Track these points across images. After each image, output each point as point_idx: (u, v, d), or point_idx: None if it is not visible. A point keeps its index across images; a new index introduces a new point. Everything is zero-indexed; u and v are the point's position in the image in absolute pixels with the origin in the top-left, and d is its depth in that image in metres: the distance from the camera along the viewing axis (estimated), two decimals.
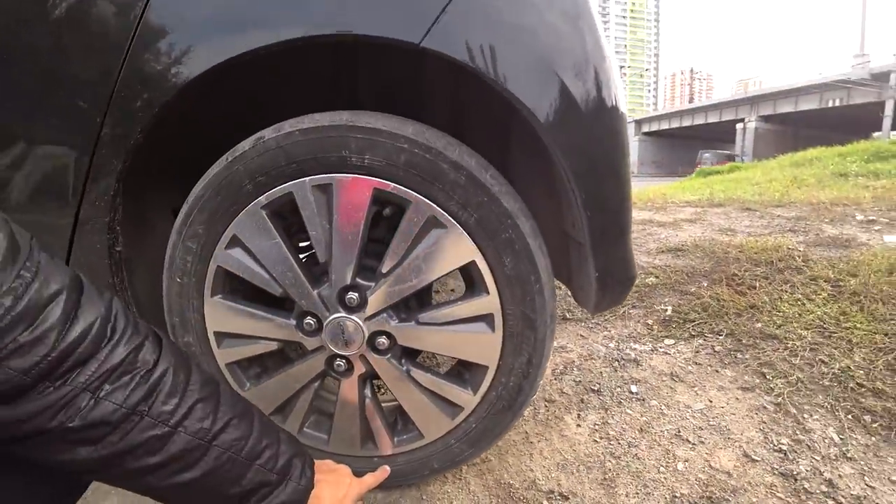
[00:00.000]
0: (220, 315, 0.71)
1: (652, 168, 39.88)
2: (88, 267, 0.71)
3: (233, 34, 0.59)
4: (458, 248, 0.63)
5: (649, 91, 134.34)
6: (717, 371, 1.12)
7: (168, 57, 0.60)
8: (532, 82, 0.58)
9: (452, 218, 0.62)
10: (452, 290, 1.74)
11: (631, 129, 42.90)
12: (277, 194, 0.63)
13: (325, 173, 0.61)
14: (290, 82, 0.79)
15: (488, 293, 0.65)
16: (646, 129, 41.17)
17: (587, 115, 0.60)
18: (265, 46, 0.58)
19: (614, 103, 0.62)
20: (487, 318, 0.67)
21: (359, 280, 0.67)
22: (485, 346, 0.69)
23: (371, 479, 0.67)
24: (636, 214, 3.75)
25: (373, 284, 0.66)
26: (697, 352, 1.22)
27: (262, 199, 0.64)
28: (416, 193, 0.61)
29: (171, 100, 0.61)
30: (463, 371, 0.76)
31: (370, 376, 0.74)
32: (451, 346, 0.70)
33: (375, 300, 0.66)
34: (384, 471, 0.71)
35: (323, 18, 0.57)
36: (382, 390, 0.95)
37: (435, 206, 0.62)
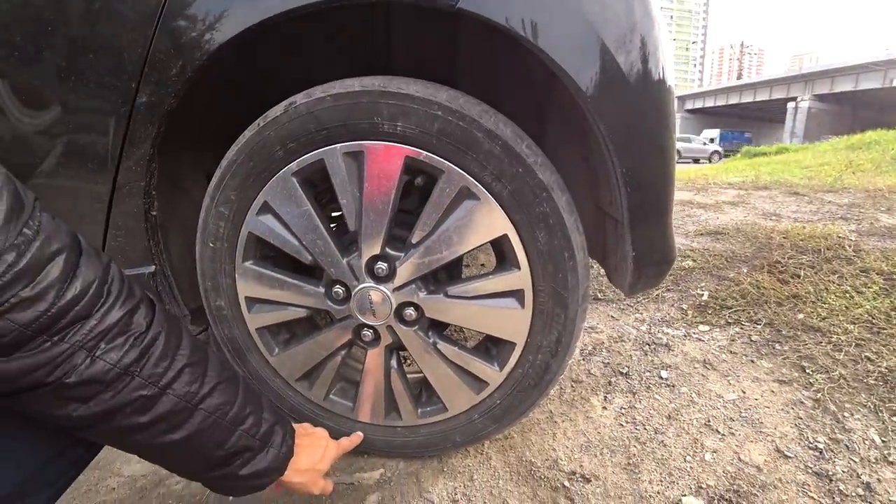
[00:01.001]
0: (251, 280, 0.72)
1: None
2: (126, 230, 0.72)
3: None
4: (490, 221, 0.61)
5: (695, 66, 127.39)
6: (752, 361, 1.07)
7: (200, 21, 0.59)
8: (575, 48, 0.54)
9: (486, 189, 0.60)
10: (483, 266, 1.72)
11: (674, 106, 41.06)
12: (308, 161, 0.62)
13: (357, 140, 0.60)
14: (324, 47, 0.77)
15: (519, 268, 0.63)
16: (689, 105, 39.42)
17: (632, 85, 0.56)
18: (300, 7, 0.56)
19: (661, 75, 0.58)
20: (518, 294, 0.65)
21: (388, 250, 0.66)
22: (513, 323, 0.67)
23: (346, 442, 0.70)
24: (676, 195, 3.62)
25: (402, 255, 0.65)
26: (733, 340, 1.17)
27: (294, 165, 0.63)
28: (448, 163, 0.59)
29: (203, 64, 0.60)
30: (490, 346, 0.75)
31: (397, 347, 0.73)
32: (480, 320, 0.68)
33: (404, 271, 0.65)
34: (358, 436, 0.74)
35: None
36: (409, 361, 0.96)
37: (468, 176, 0.59)
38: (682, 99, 40.05)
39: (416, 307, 0.68)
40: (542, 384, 0.71)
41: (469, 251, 0.64)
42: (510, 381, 0.71)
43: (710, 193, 3.35)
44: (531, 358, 0.69)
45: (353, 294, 0.68)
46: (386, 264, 0.66)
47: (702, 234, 2.13)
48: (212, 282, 0.73)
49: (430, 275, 0.67)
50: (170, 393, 0.42)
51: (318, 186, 0.68)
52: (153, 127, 0.64)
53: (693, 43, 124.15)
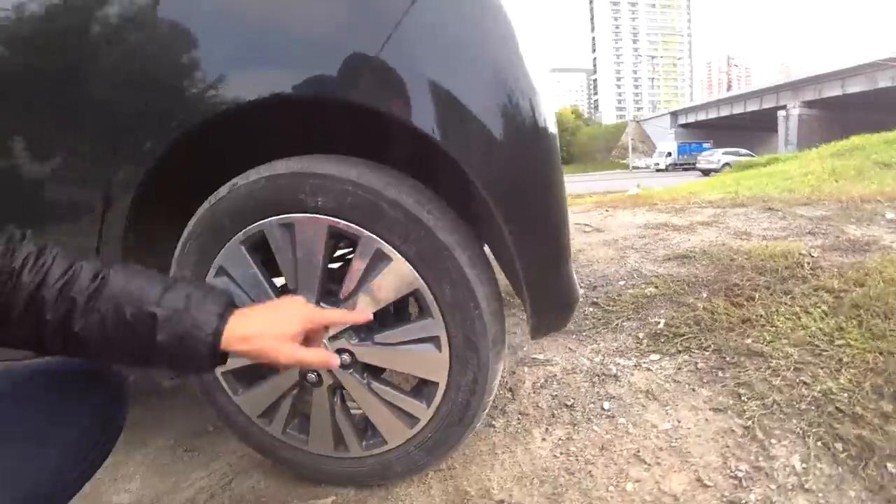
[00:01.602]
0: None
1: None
2: None
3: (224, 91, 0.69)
4: (402, 278, 0.71)
5: (684, 81, 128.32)
6: (693, 390, 1.13)
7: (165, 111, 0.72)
8: (442, 120, 0.64)
9: (396, 250, 0.70)
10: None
11: (667, 122, 41.34)
12: (252, 231, 0.73)
13: (288, 213, 0.71)
14: (267, 131, 0.88)
15: (433, 317, 0.73)
16: (682, 120, 39.95)
17: (503, 146, 0.65)
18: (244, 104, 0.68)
19: (534, 131, 0.66)
20: (434, 340, 0.74)
21: (322, 304, 0.75)
22: (434, 365, 0.76)
23: (338, 314, 0.68)
24: (654, 218, 3.68)
25: (332, 306, 0.75)
26: (679, 368, 1.23)
27: (241, 235, 0.74)
28: (363, 229, 0.70)
29: (166, 153, 0.72)
30: (420, 386, 0.83)
31: (338, 387, 0.82)
32: (405, 363, 0.77)
33: None
34: (364, 315, 0.67)
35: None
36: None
37: (380, 240, 0.70)
38: (675, 114, 40.59)
39: (350, 353, 0.77)
40: (466, 419, 0.79)
41: (389, 303, 0.74)
42: (437, 416, 0.79)
43: (687, 214, 3.41)
44: (453, 396, 0.77)
45: None
46: None
47: (669, 259, 2.19)
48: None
49: (359, 325, 0.76)
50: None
51: (263, 250, 0.78)
52: (128, 197, 0.76)
53: (679, 59, 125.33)
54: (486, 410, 0.83)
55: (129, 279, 0.51)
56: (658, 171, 32.98)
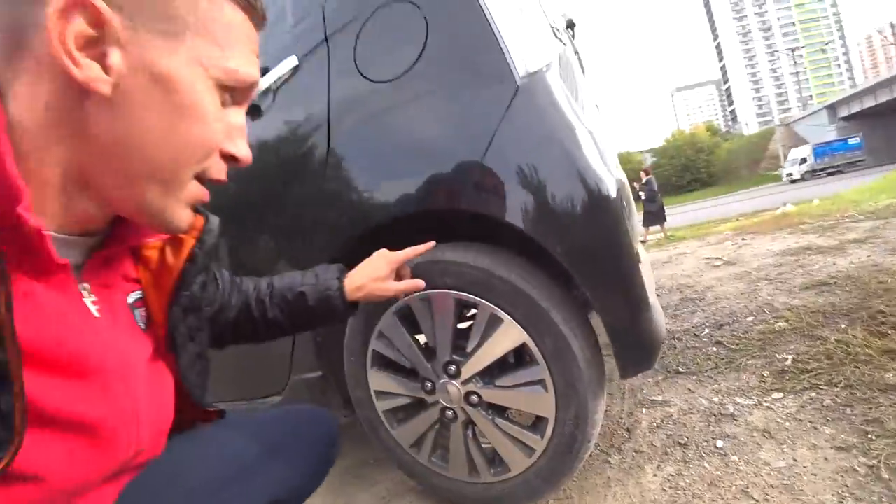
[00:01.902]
0: (376, 379, 1.12)
1: (869, 158, 32.01)
2: (303, 349, 1.20)
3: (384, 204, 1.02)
4: (512, 335, 0.93)
5: (839, 67, 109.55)
6: (815, 428, 1.13)
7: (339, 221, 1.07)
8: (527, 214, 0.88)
9: (507, 314, 0.93)
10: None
11: (823, 117, 35.47)
12: (401, 305, 1.03)
13: (426, 290, 0.99)
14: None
15: (539, 364, 0.93)
16: (843, 112, 33.65)
17: (569, 220, 0.86)
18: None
19: (600, 201, 0.85)
20: (542, 383, 0.94)
21: (454, 356, 1.01)
22: (543, 403, 0.95)
23: (402, 254, 0.87)
24: (795, 241, 3.37)
25: (464, 359, 1.00)
26: (803, 406, 1.23)
27: (393, 308, 1.04)
28: (480, 299, 0.94)
29: (341, 246, 1.06)
30: (535, 421, 1.03)
31: (470, 423, 1.06)
32: (520, 402, 0.98)
33: (466, 370, 0.99)
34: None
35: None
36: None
37: (494, 306, 0.94)
38: (832, 107, 34.40)
39: (478, 394, 1.00)
40: (574, 450, 0.96)
41: (505, 354, 0.96)
42: (550, 447, 0.97)
43: (838, 232, 3.08)
44: (560, 429, 0.95)
45: (436, 386, 1.03)
46: (454, 366, 1.01)
47: (807, 288, 2.07)
48: (353, 380, 1.16)
49: (484, 370, 1.00)
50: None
51: (410, 317, 1.07)
52: None
53: (827, 44, 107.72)
54: (592, 443, 0.98)
55: (282, 280, 0.82)
56: (793, 182, 28.31)
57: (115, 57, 0.37)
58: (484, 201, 0.91)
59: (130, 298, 0.53)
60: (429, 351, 1.06)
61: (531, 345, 0.93)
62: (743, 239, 4.16)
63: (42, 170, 0.38)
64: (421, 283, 0.87)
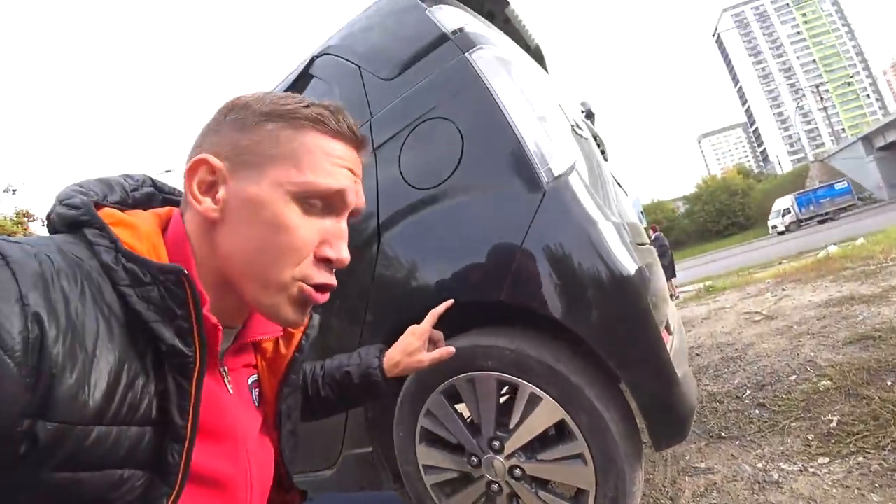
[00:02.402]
0: (424, 454, 1.22)
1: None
2: (356, 425, 1.32)
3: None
4: (550, 412, 1.04)
5: (868, 96, 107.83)
6: (863, 495, 1.15)
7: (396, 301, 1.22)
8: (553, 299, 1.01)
9: (545, 392, 1.04)
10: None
11: (860, 149, 34.49)
12: (448, 385, 1.15)
13: (470, 371, 1.11)
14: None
15: (577, 439, 1.02)
16: (880, 142, 32.36)
17: (596, 307, 0.99)
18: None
19: (626, 288, 0.98)
20: (581, 457, 1.03)
21: (498, 432, 1.11)
22: (584, 476, 1.03)
23: (429, 320, 0.97)
24: (838, 290, 3.33)
25: (507, 435, 1.10)
26: (850, 472, 1.25)
27: (440, 388, 1.16)
28: (519, 380, 1.06)
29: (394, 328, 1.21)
30: (577, 493, 1.10)
31: (515, 495, 1.13)
32: (562, 475, 1.07)
33: (510, 445, 1.09)
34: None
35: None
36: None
37: (532, 385, 1.05)
38: (869, 138, 33.31)
39: (521, 468, 1.09)
40: None
41: (545, 430, 1.06)
42: None
43: (881, 277, 3.03)
44: (602, 501, 1.02)
45: (482, 461, 1.13)
46: (498, 442, 1.11)
47: (850, 343, 2.07)
48: (403, 455, 1.26)
49: (526, 445, 1.09)
50: None
51: (456, 396, 1.19)
52: None
53: (853, 77, 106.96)
54: None
55: (332, 362, 0.94)
56: (780, 234, 27.70)
57: (221, 191, 0.53)
58: (519, 293, 1.05)
59: (250, 380, 0.67)
60: (474, 427, 1.16)
61: (569, 421, 1.02)
62: (783, 289, 4.11)
63: (204, 275, 0.54)
64: (451, 349, 0.94)
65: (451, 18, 1.36)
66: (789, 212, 29.35)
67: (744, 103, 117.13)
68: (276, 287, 0.53)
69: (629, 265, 1.02)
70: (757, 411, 1.79)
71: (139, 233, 0.51)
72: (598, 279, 1.00)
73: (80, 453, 0.40)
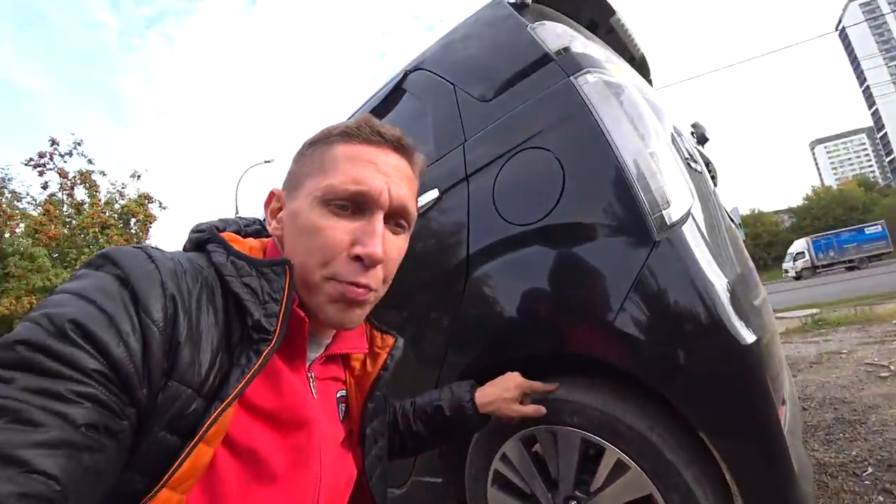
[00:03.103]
0: (495, 497, 1.21)
1: None
2: (428, 455, 1.32)
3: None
4: (638, 484, 0.97)
5: None
6: None
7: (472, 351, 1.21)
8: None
9: (633, 461, 0.97)
10: None
11: None
12: (527, 433, 1.12)
13: (553, 424, 1.07)
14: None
15: None
16: None
17: (705, 383, 0.90)
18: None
19: (744, 361, 0.88)
20: None
21: (577, 492, 1.06)
22: None
23: (538, 384, 1.04)
24: None
25: (585, 496, 1.05)
26: None
27: (518, 434, 1.13)
28: (607, 443, 1.00)
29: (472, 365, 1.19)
30: None
31: None
32: None
33: None
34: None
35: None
36: None
37: (621, 452, 0.99)
38: None
39: None
40: None
41: (629, 501, 1.00)
42: None
43: None
44: None
45: None
46: (576, 502, 1.06)
47: None
48: (472, 494, 1.25)
49: None
50: None
51: (533, 444, 1.15)
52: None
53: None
54: None
55: (422, 398, 1.00)
56: (795, 279, 24.70)
57: (281, 213, 0.66)
58: (616, 354, 0.99)
59: (338, 395, 0.74)
60: (550, 481, 1.12)
61: (658, 498, 0.95)
62: None
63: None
64: (543, 409, 1.00)
65: (555, 36, 1.29)
66: (803, 255, 26.23)
67: (870, 106, 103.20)
68: (314, 287, 0.60)
69: (746, 336, 0.91)
70: (880, 498, 1.57)
71: (245, 247, 0.64)
72: (708, 351, 0.91)
73: (181, 418, 0.49)
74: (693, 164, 1.35)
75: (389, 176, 0.62)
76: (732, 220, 1.70)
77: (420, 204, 1.36)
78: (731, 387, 0.90)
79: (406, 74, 1.68)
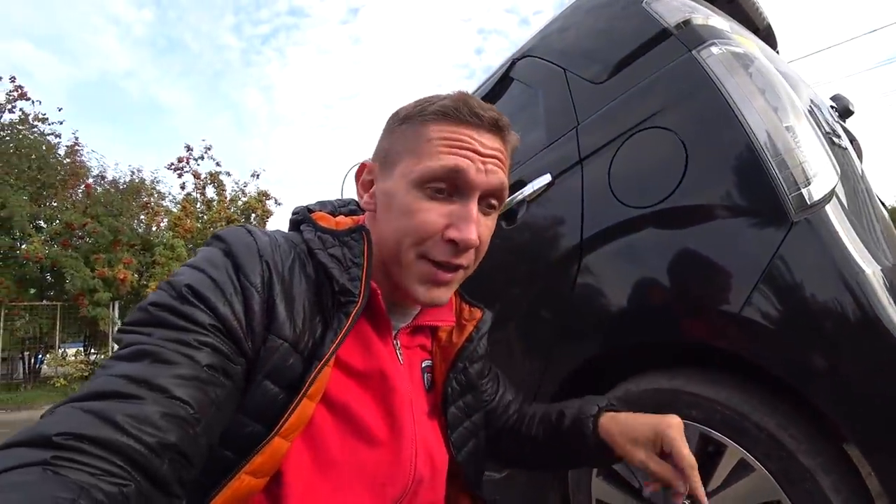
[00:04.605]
0: (599, 488, 1.19)
1: None
2: None
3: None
4: (764, 488, 0.91)
5: None
6: None
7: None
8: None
9: (759, 463, 0.91)
10: None
11: None
12: None
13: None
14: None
15: None
16: None
17: (849, 380, 0.82)
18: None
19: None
20: None
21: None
22: None
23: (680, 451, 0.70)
24: None
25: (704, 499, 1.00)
26: None
27: None
28: (730, 441, 0.95)
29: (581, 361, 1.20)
30: None
31: None
32: None
33: None
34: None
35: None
36: None
37: (744, 451, 0.93)
38: None
39: None
40: None
41: None
42: None
43: None
44: None
45: None
46: (689, 500, 1.01)
47: None
48: (576, 483, 1.25)
49: None
50: None
51: None
52: (552, 387, 1.26)
53: None
54: None
55: (551, 405, 0.88)
56: None
57: (374, 188, 0.69)
58: (745, 345, 0.94)
59: (423, 364, 0.77)
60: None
61: None
62: None
63: (377, 257, 0.66)
64: (670, 473, 0.72)
65: (673, 10, 1.23)
66: None
67: None
68: (405, 265, 0.63)
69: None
70: None
71: (333, 223, 0.70)
72: (857, 344, 0.83)
73: (281, 370, 0.56)
74: (836, 140, 1.22)
75: (485, 157, 0.62)
76: (884, 205, 1.50)
77: (531, 190, 1.39)
78: (887, 391, 0.82)
79: (514, 63, 1.71)
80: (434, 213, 0.62)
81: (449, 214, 0.62)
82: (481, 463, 0.84)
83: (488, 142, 0.63)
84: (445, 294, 0.66)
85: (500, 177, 0.64)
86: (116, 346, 0.52)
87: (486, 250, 0.69)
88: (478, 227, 0.63)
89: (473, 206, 0.62)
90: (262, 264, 0.57)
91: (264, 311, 0.56)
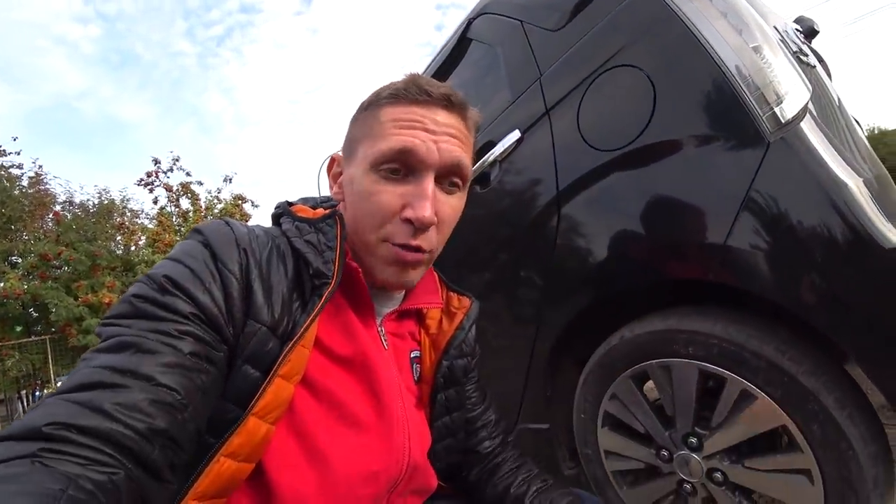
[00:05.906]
0: (606, 438, 1.19)
1: None
2: (534, 401, 1.34)
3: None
4: (768, 415, 0.90)
5: None
6: None
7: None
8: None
9: (761, 391, 0.90)
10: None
11: None
12: (637, 370, 1.07)
13: (666, 358, 1.02)
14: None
15: (803, 452, 0.88)
16: None
17: (841, 293, 0.81)
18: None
19: (880, 266, 0.79)
20: (806, 473, 0.88)
21: (697, 429, 1.01)
22: (807, 497, 0.88)
23: None
24: None
25: (707, 433, 1.00)
26: None
27: (629, 372, 1.09)
28: (730, 373, 0.94)
29: (575, 315, 1.18)
30: None
31: (712, 500, 1.03)
32: (775, 489, 0.93)
33: (710, 445, 0.99)
34: None
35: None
36: None
37: (745, 381, 0.92)
38: None
39: (722, 472, 0.99)
40: None
41: (759, 433, 0.93)
42: None
43: None
44: None
45: (674, 457, 1.05)
46: (696, 439, 1.01)
47: None
48: (582, 437, 1.25)
49: (732, 448, 0.98)
50: None
51: (645, 381, 1.12)
52: (546, 345, 1.25)
53: None
54: None
55: (549, 493, 0.77)
56: None
57: (341, 178, 0.69)
58: (734, 274, 0.92)
59: (411, 354, 0.76)
60: (666, 418, 1.09)
61: (792, 429, 0.88)
62: None
63: (351, 244, 0.66)
64: None
65: None
66: None
67: None
68: (370, 248, 0.64)
69: (893, 238, 0.80)
70: None
71: (311, 214, 0.70)
72: (847, 259, 0.82)
73: (260, 354, 0.56)
74: (803, 59, 1.19)
75: (437, 134, 0.61)
76: (857, 123, 1.49)
77: (502, 149, 1.36)
78: (879, 298, 0.81)
79: (470, 23, 1.65)
80: (389, 194, 0.61)
81: (403, 194, 0.61)
82: (452, 459, 0.81)
83: (442, 118, 0.62)
84: (414, 275, 0.66)
85: (455, 154, 0.62)
86: (99, 340, 0.52)
87: (450, 231, 0.68)
88: (437, 205, 0.62)
89: (428, 185, 0.61)
90: (240, 252, 0.58)
91: (243, 297, 0.57)
